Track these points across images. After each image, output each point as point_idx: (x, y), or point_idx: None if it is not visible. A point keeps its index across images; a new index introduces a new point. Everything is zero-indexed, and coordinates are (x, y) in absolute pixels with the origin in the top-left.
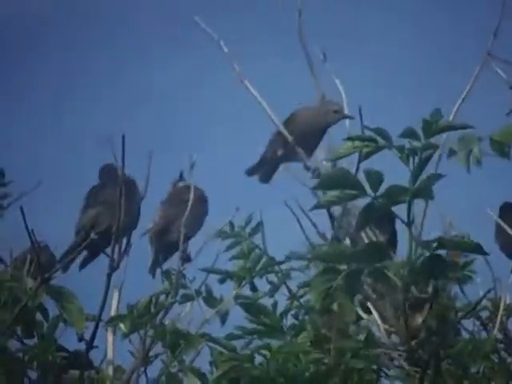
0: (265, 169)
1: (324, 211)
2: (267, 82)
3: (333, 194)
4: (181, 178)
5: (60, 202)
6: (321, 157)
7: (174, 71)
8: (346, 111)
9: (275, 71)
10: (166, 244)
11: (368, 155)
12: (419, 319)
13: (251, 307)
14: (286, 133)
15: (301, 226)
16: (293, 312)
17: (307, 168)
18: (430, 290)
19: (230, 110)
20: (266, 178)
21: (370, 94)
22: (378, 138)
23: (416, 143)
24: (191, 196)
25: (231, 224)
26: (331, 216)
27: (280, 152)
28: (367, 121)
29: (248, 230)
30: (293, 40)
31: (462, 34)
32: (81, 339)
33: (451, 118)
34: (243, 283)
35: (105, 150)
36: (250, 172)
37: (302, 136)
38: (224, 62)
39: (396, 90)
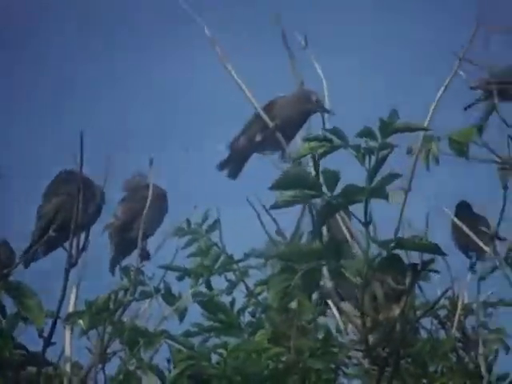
0: (235, 161)
1: (288, 209)
2: (248, 71)
3: (289, 193)
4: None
5: (23, 199)
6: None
7: (173, 70)
8: (327, 100)
9: (255, 59)
10: (126, 240)
11: (323, 155)
12: (396, 310)
13: (208, 305)
14: (266, 118)
15: (262, 224)
16: (250, 310)
17: (284, 158)
18: (407, 281)
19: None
20: (236, 172)
21: (349, 81)
22: (334, 138)
23: (372, 143)
24: (150, 193)
25: (188, 221)
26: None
27: (259, 137)
28: (346, 109)
29: (205, 227)
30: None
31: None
32: (40, 335)
33: (428, 117)
34: (201, 281)
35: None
36: (222, 166)
37: (281, 123)
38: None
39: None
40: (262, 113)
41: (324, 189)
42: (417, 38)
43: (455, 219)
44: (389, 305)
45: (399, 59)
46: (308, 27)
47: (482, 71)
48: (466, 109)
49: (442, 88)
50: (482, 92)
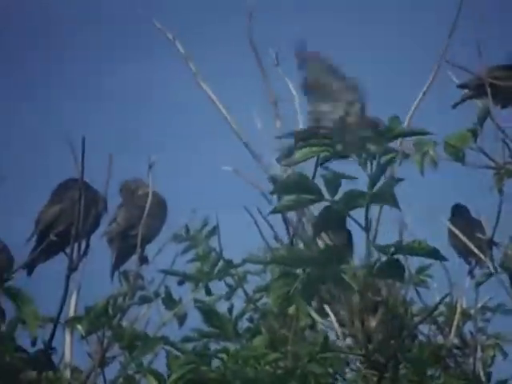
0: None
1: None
2: (220, 85)
3: (289, 198)
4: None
5: (23, 203)
6: None
7: (135, 74)
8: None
9: (227, 74)
10: (126, 246)
11: (325, 160)
12: (373, 322)
13: (207, 310)
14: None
15: (259, 230)
16: (247, 315)
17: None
18: (383, 293)
19: (188, 112)
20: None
21: None
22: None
23: (374, 148)
24: (149, 200)
25: (187, 227)
26: (286, 221)
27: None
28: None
29: (204, 233)
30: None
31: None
32: (34, 343)
33: (406, 121)
34: (200, 286)
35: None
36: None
37: None
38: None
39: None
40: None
41: (325, 193)
42: (402, 44)
43: (451, 226)
44: (367, 317)
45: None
46: (282, 42)
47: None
48: (454, 107)
49: (424, 88)
50: (470, 90)
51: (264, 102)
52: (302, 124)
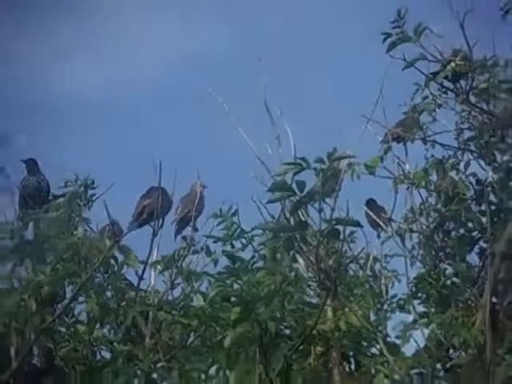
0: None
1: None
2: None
3: (278, 194)
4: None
5: (126, 199)
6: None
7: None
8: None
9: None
10: (184, 222)
11: (297, 172)
12: (326, 263)
13: (231, 256)
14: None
15: (260, 212)
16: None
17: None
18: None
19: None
20: None
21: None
22: (303, 163)
23: (323, 165)
24: (198, 196)
25: (220, 210)
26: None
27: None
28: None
29: (229, 213)
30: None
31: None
32: (136, 274)
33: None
34: (226, 243)
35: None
36: None
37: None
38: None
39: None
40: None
41: (297, 192)
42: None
43: (367, 210)
44: (322, 260)
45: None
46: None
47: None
48: (381, 142)
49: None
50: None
51: (272, 137)
52: (293, 148)
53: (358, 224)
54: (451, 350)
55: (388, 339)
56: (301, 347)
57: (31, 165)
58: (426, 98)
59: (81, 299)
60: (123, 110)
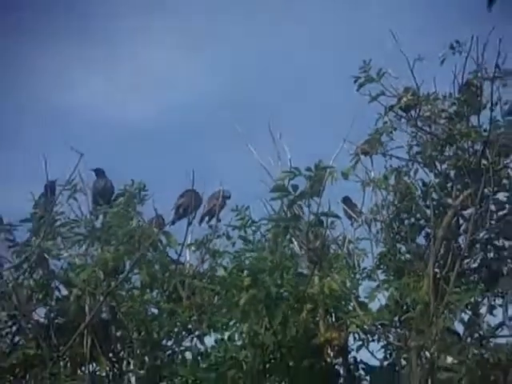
0: None
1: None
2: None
3: (277, 194)
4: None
5: (167, 198)
6: None
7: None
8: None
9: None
10: (210, 215)
11: (292, 178)
12: (314, 244)
13: (243, 238)
14: None
15: (265, 208)
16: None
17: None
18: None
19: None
20: None
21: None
22: (296, 171)
23: (311, 173)
24: (220, 198)
25: (236, 207)
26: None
27: None
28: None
29: (243, 209)
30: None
31: None
32: (176, 253)
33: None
34: (241, 230)
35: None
36: None
37: None
38: None
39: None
40: None
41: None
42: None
43: (344, 205)
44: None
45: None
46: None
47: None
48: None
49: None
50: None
51: (274, 153)
52: (289, 161)
53: (336, 216)
54: (405, 307)
55: (359, 299)
56: (295, 306)
57: (99, 172)
58: (385, 123)
59: (136, 271)
60: (165, 133)
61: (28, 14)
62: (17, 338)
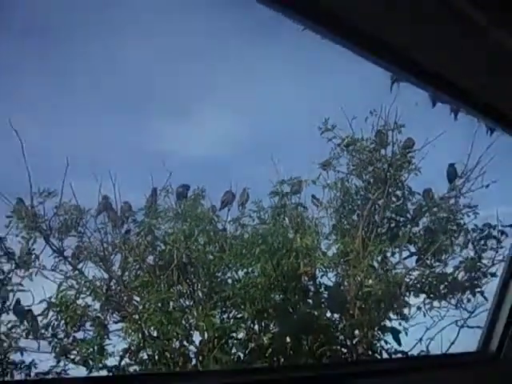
0: None
1: None
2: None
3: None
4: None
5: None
6: None
7: None
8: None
9: None
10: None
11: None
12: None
13: (260, 219)
14: None
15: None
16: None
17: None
18: None
19: None
20: None
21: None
22: (284, 183)
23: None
24: (245, 196)
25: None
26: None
27: None
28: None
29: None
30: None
31: None
32: (222, 225)
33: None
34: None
35: None
36: None
37: None
38: None
39: None
40: None
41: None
42: None
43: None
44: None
45: None
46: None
47: None
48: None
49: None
50: None
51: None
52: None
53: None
54: (346, 254)
55: (322, 250)
56: (286, 254)
57: (182, 190)
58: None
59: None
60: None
61: None
62: None
